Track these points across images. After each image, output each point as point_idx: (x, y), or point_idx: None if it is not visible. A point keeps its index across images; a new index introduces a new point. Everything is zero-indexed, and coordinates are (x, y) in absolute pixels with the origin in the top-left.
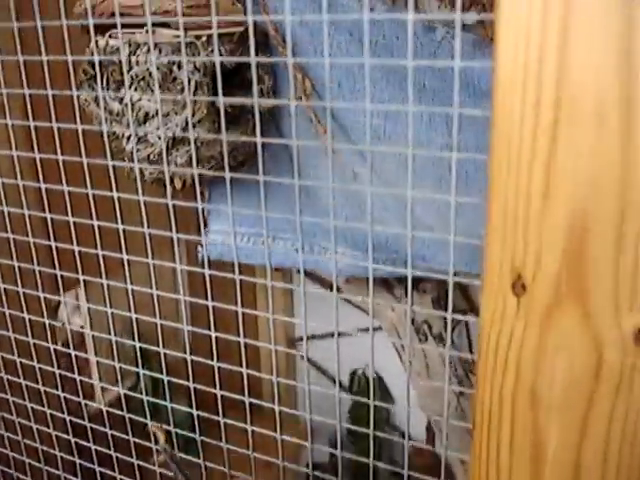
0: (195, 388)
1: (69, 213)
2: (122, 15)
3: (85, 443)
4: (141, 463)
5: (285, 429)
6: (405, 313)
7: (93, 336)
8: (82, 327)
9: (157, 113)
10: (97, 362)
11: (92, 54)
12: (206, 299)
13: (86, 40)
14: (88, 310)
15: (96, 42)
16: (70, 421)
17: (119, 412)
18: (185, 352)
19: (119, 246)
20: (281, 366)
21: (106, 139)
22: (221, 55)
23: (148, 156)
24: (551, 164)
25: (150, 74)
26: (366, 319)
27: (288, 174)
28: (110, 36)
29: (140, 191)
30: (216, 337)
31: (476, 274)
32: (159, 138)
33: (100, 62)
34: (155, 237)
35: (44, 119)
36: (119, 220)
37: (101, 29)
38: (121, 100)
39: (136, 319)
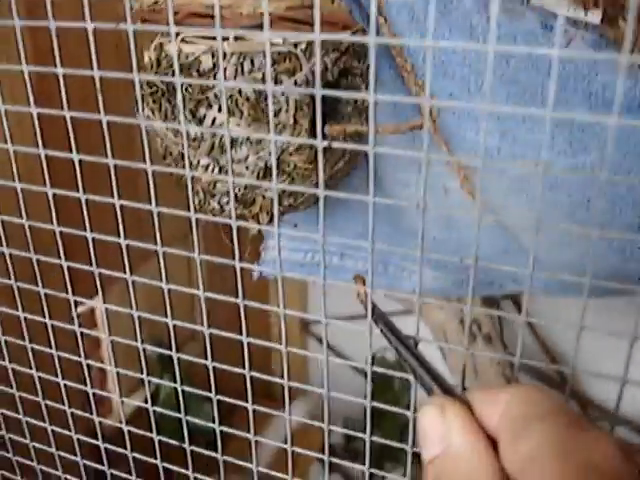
0: (217, 380)
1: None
2: (203, 16)
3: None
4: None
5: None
6: (454, 313)
7: (112, 343)
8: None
9: (248, 139)
10: (117, 373)
11: (157, 61)
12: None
13: (141, 41)
14: (107, 316)
15: (160, 45)
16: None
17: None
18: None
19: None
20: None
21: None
22: (325, 67)
23: (233, 189)
24: None
25: (240, 92)
26: (389, 303)
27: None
28: (183, 40)
29: (193, 221)
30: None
31: None
32: (247, 168)
33: (172, 73)
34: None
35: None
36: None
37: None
38: (200, 121)
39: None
